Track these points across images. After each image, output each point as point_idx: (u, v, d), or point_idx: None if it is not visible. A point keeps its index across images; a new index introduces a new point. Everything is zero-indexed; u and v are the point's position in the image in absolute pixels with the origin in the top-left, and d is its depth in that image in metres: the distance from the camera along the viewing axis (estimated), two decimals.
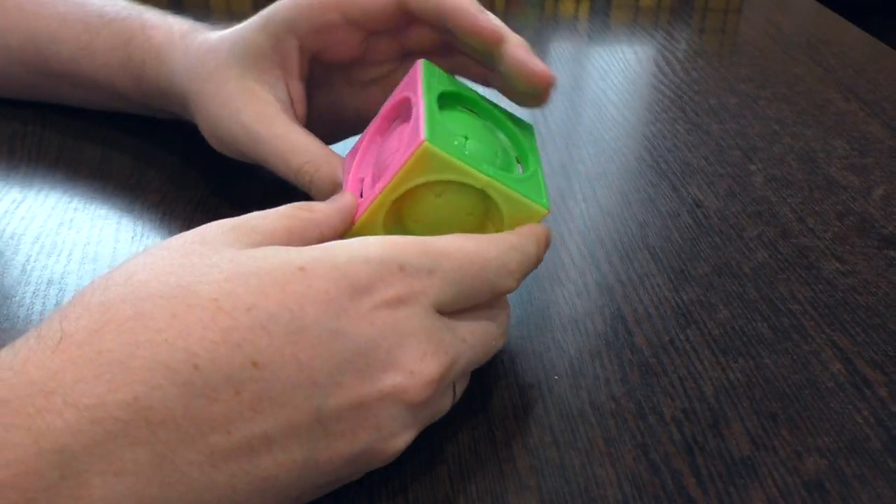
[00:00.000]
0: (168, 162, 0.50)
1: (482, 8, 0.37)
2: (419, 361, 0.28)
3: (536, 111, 0.58)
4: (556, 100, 0.60)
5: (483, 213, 0.34)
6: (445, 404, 0.31)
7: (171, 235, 0.44)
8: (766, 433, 0.34)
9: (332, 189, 0.38)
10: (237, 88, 0.41)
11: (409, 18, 0.40)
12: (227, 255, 0.28)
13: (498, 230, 0.34)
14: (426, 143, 0.31)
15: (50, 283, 0.40)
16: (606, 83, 0.63)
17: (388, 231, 0.34)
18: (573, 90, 0.62)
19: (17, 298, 0.39)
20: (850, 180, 0.51)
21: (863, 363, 0.37)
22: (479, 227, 0.35)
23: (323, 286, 0.27)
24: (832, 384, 0.36)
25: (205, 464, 0.25)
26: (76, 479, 0.24)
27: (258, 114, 0.40)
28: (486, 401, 0.35)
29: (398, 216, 0.34)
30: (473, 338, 0.31)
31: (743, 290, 0.42)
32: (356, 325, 0.27)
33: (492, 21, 0.37)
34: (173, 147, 0.51)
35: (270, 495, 0.27)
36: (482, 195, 0.33)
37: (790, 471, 0.32)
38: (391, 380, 0.28)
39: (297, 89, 0.42)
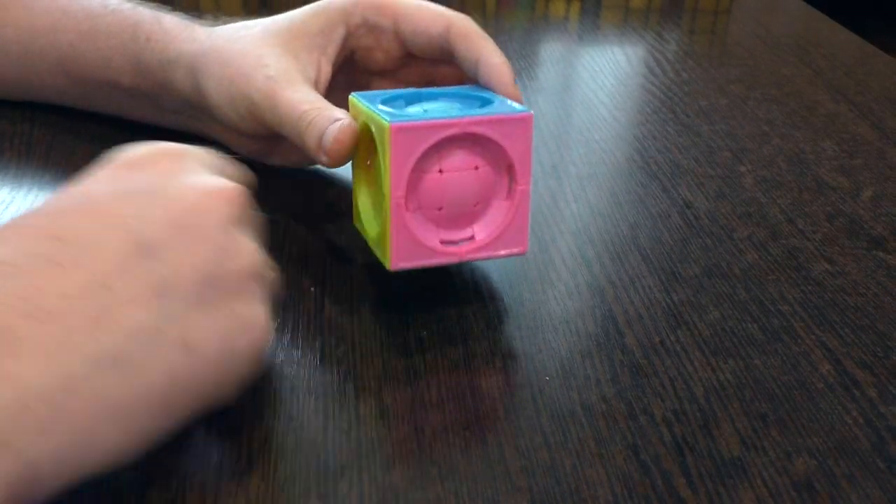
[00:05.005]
0: None
1: (513, 76, 0.41)
2: (209, 181, 0.31)
3: None
4: (547, 101, 0.60)
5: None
6: (266, 274, 0.32)
7: None
8: (756, 434, 0.34)
9: (317, 125, 0.39)
10: (270, 53, 0.42)
11: (448, 55, 0.43)
12: None
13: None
14: (392, 270, 0.37)
15: None
16: (597, 84, 0.63)
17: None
18: (564, 91, 0.62)
19: None
20: (839, 181, 0.52)
21: (852, 364, 0.37)
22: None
23: (107, 169, 0.31)
24: (822, 385, 0.36)
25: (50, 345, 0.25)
26: None
27: (286, 74, 0.41)
28: (476, 402, 0.35)
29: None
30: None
31: (733, 291, 0.42)
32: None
33: (517, 91, 0.40)
34: None
35: (139, 390, 0.26)
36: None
37: (780, 471, 0.32)
38: (195, 197, 0.30)
39: (326, 71, 0.44)
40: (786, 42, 0.73)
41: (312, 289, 0.40)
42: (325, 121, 0.38)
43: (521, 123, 0.37)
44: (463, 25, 0.42)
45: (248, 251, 0.31)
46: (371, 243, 0.39)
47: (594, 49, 0.70)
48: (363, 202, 0.40)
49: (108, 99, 0.52)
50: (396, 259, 0.36)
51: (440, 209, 0.37)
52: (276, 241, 0.44)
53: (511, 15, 0.77)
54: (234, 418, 0.33)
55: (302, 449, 0.32)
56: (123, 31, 0.48)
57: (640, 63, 0.68)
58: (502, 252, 0.38)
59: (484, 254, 0.38)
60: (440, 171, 0.36)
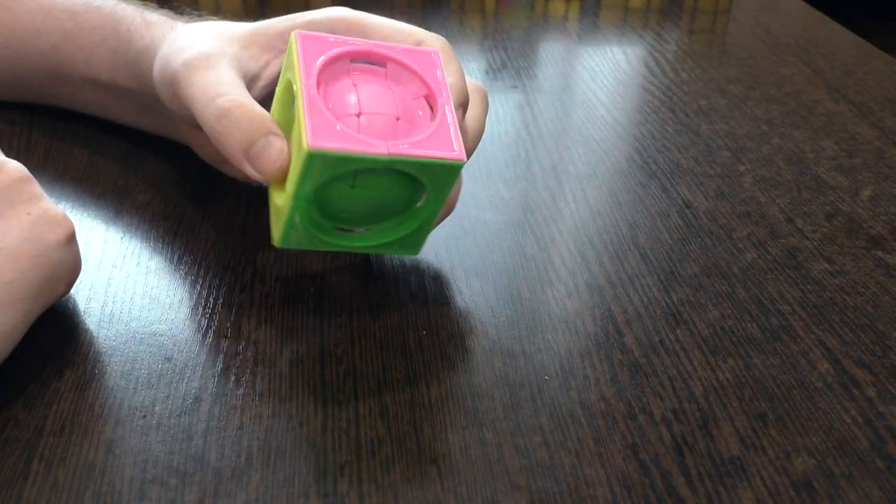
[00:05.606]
0: (156, 164, 0.50)
1: (465, 98, 0.39)
2: None
3: (527, 112, 0.58)
4: (546, 101, 0.60)
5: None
6: None
7: (159, 238, 0.44)
8: (756, 433, 0.34)
9: (241, 128, 0.36)
10: (215, 39, 0.41)
11: None
12: None
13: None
14: (310, 150, 0.32)
15: None
16: (596, 84, 0.63)
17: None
18: (563, 91, 0.62)
19: None
20: (838, 181, 0.52)
21: (851, 363, 0.38)
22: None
23: None
24: (821, 384, 0.36)
25: None
26: None
27: (218, 55, 0.40)
28: (476, 401, 0.35)
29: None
30: None
31: (732, 291, 0.42)
32: None
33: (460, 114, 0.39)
34: (161, 149, 0.51)
35: None
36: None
37: (779, 470, 0.32)
38: None
39: (272, 72, 0.42)
40: (785, 42, 0.73)
41: (312, 288, 0.40)
42: (255, 130, 0.36)
43: (428, 57, 0.38)
44: (431, 46, 0.40)
45: (7, 164, 0.35)
46: (277, 213, 0.37)
47: (593, 49, 0.70)
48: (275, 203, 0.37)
49: (90, 97, 0.51)
50: (314, 137, 0.33)
51: (358, 115, 0.34)
52: None
53: (510, 15, 0.77)
54: (234, 418, 0.33)
55: (302, 449, 0.32)
56: (105, 25, 0.48)
57: (640, 63, 0.68)
58: (431, 153, 0.34)
59: (412, 151, 0.34)
60: (354, 85, 0.36)
